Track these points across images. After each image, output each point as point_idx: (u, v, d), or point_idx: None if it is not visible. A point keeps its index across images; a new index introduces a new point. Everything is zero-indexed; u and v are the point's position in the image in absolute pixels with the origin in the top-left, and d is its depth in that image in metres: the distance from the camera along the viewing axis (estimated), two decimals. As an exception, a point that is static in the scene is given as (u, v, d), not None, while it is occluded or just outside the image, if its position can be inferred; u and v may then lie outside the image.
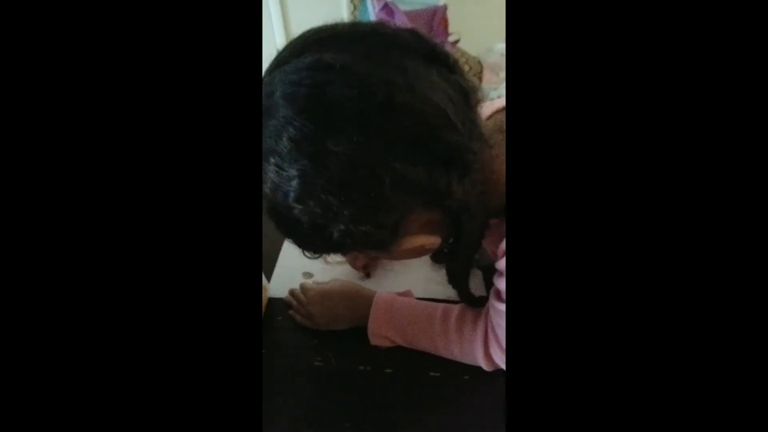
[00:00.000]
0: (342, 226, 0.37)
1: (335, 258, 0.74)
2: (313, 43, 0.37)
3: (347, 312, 0.61)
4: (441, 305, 0.59)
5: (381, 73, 0.35)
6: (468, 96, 0.39)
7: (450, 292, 0.54)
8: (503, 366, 0.53)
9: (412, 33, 0.39)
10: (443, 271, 0.50)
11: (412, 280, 0.69)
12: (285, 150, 0.34)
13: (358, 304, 0.61)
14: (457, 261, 0.49)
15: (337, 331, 0.61)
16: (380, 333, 0.58)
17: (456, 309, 0.57)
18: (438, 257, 0.49)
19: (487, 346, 0.54)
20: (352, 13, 2.10)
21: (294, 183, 0.35)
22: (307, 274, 0.71)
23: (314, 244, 0.40)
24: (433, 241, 0.43)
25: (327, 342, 0.61)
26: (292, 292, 0.66)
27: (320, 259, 0.72)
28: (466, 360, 0.56)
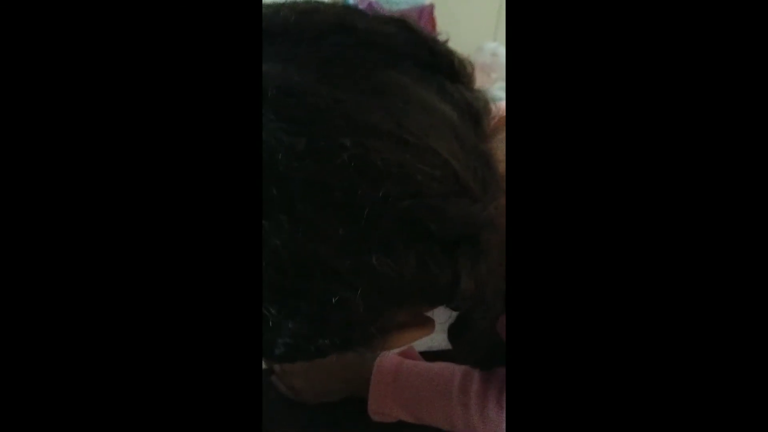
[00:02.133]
0: (288, 340, 0.24)
1: None
2: (282, 29, 0.24)
3: (340, 384, 0.50)
4: (458, 370, 0.47)
5: (351, 105, 0.22)
6: (479, 120, 0.26)
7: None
8: None
9: (401, 27, 0.26)
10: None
11: None
12: None
13: (353, 371, 0.50)
14: (467, 347, 0.39)
15: (331, 403, 0.51)
16: (384, 411, 0.48)
17: (476, 379, 0.46)
18: (454, 334, 0.38)
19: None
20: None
21: None
22: None
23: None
24: (428, 332, 0.31)
25: (318, 417, 0.50)
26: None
27: None
28: None
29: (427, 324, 0.30)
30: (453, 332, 0.38)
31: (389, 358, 0.49)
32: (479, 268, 0.25)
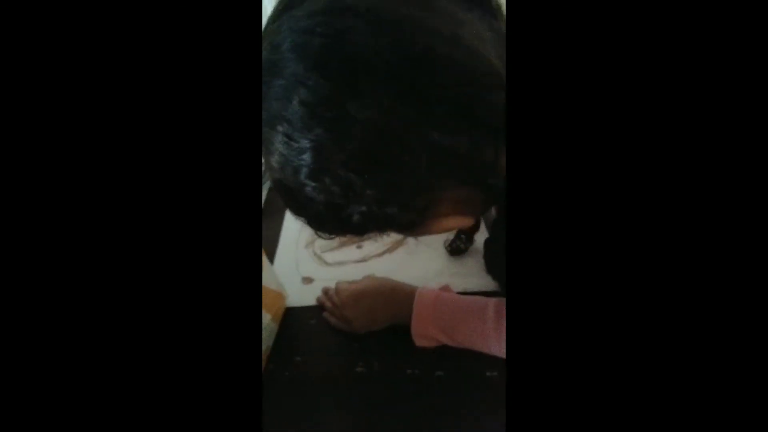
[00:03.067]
0: (363, 208, 0.30)
1: (333, 258, 0.69)
2: None
3: (386, 311, 0.56)
4: (491, 300, 0.53)
5: (417, 17, 0.27)
6: None
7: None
8: None
9: None
10: (459, 263, 0.44)
11: (422, 271, 0.65)
12: (296, 116, 0.27)
13: (397, 301, 0.55)
14: (496, 247, 0.43)
15: (377, 332, 0.56)
16: (426, 333, 0.53)
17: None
18: (453, 249, 0.42)
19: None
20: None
21: (306, 156, 0.28)
22: (307, 279, 0.67)
23: (329, 225, 0.33)
24: (465, 222, 0.36)
25: (368, 345, 0.55)
26: (325, 292, 0.61)
27: (318, 261, 0.70)
28: None
29: (465, 217, 0.36)
30: (490, 239, 0.43)
31: (429, 289, 0.55)
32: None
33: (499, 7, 0.33)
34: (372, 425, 0.48)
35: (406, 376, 0.52)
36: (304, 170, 0.29)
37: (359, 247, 0.72)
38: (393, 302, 0.56)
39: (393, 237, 0.71)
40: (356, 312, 0.56)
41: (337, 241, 0.73)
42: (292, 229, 0.78)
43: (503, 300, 0.52)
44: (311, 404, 0.50)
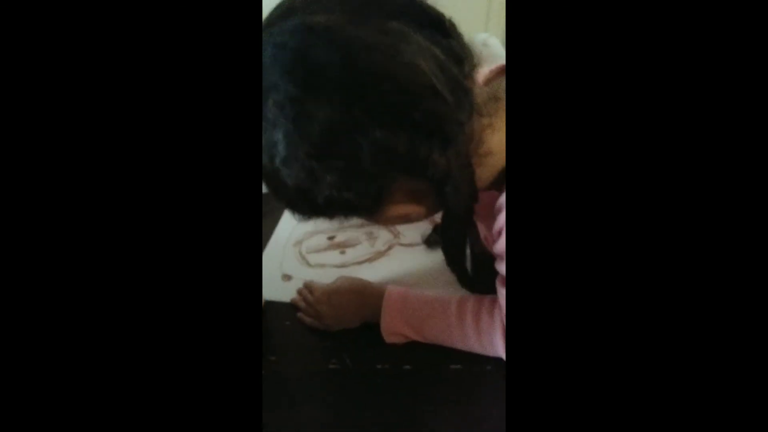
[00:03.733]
0: (326, 192, 0.36)
1: (315, 259, 0.72)
2: (300, 4, 0.36)
3: (357, 309, 0.59)
4: (455, 296, 0.56)
5: (364, 36, 0.33)
6: (462, 62, 0.37)
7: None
8: None
9: None
10: (439, 261, 0.48)
11: (406, 272, 0.68)
12: (270, 114, 0.34)
13: (368, 299, 0.59)
14: (450, 238, 0.47)
15: (349, 330, 0.59)
16: (394, 330, 0.56)
17: (471, 299, 0.55)
18: (429, 241, 0.47)
19: (506, 336, 0.52)
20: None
21: (279, 147, 0.35)
22: (286, 276, 0.70)
23: (301, 207, 0.40)
24: (417, 210, 0.42)
25: (340, 343, 0.58)
26: (300, 291, 0.63)
27: (301, 261, 0.73)
28: (486, 351, 0.54)
29: (417, 205, 0.42)
30: (442, 230, 0.48)
31: (397, 288, 0.59)
32: (448, 151, 0.37)
33: (452, 25, 0.39)
34: (346, 419, 0.51)
35: (376, 371, 0.55)
36: (278, 158, 0.35)
37: (342, 252, 0.75)
38: (364, 300, 0.59)
39: (375, 247, 0.75)
40: (329, 309, 0.59)
41: (324, 243, 0.76)
42: (286, 228, 0.80)
43: (466, 297, 0.56)
44: (286, 401, 0.53)
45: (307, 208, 0.40)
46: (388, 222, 0.45)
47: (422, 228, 0.76)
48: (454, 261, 0.50)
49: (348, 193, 0.37)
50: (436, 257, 0.71)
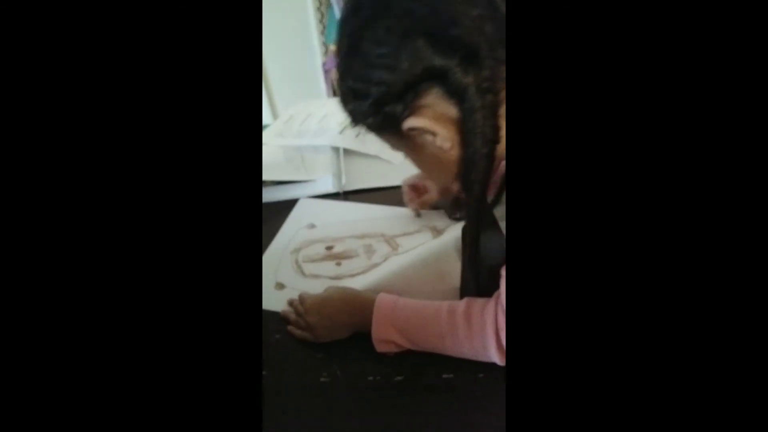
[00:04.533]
0: (370, 100, 0.43)
1: (310, 269, 0.72)
2: None
3: (348, 318, 0.58)
4: (446, 302, 0.56)
5: None
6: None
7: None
8: None
9: None
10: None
11: (398, 280, 0.67)
12: (340, 43, 0.44)
13: (359, 308, 0.58)
14: (472, 193, 0.48)
15: (340, 342, 0.59)
16: (385, 338, 0.56)
17: (462, 303, 0.54)
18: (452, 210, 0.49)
19: (499, 339, 0.51)
20: (321, 21, 2.09)
21: (342, 65, 0.45)
22: (279, 285, 0.69)
23: (358, 114, 0.46)
24: (441, 134, 0.45)
25: (331, 355, 0.58)
26: (290, 303, 0.63)
27: (296, 270, 0.73)
28: (479, 356, 0.53)
29: (437, 124, 0.44)
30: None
31: (388, 296, 0.58)
32: (469, 67, 0.40)
33: None
34: (338, 431, 0.50)
35: (367, 383, 0.54)
36: (344, 74, 0.45)
37: (338, 264, 0.74)
38: (354, 309, 0.58)
39: (372, 261, 0.74)
40: (319, 319, 0.58)
41: (321, 253, 0.76)
42: (286, 234, 0.80)
43: (460, 301, 0.55)
44: (277, 415, 0.52)
45: (360, 115, 0.46)
46: (410, 143, 0.47)
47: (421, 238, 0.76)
48: (470, 234, 0.51)
49: (389, 106, 0.43)
50: (430, 261, 0.72)
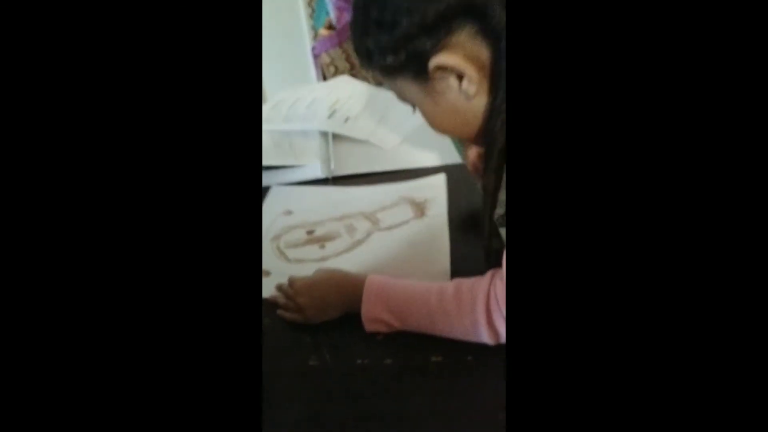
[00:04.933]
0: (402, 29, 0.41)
1: (294, 255, 0.71)
2: None
3: (338, 298, 0.58)
4: (434, 284, 0.56)
5: None
6: None
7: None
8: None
9: None
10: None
11: (386, 259, 0.68)
12: None
13: (348, 289, 0.58)
14: (493, 144, 0.47)
15: (330, 326, 0.58)
16: (375, 317, 0.56)
17: (452, 283, 0.55)
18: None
19: (490, 317, 0.50)
20: (309, 4, 2.06)
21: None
22: (265, 272, 0.69)
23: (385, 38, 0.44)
24: (469, 71, 0.43)
25: (320, 339, 0.58)
26: (279, 287, 0.63)
27: (279, 257, 0.72)
28: (469, 336, 0.53)
29: (466, 62, 0.43)
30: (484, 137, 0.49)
31: (378, 276, 0.58)
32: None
33: None
34: (327, 415, 0.50)
35: (357, 366, 0.54)
36: (368, 2, 0.43)
37: (322, 246, 0.74)
38: (344, 289, 0.58)
39: (355, 237, 0.74)
40: (310, 300, 0.58)
41: (303, 238, 0.76)
42: (264, 222, 0.79)
43: (450, 281, 0.55)
44: (266, 400, 0.52)
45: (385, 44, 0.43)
46: (428, 89, 0.46)
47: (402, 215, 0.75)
48: (488, 174, 0.50)
49: (419, 38, 0.41)
50: (416, 237, 0.71)
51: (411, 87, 0.47)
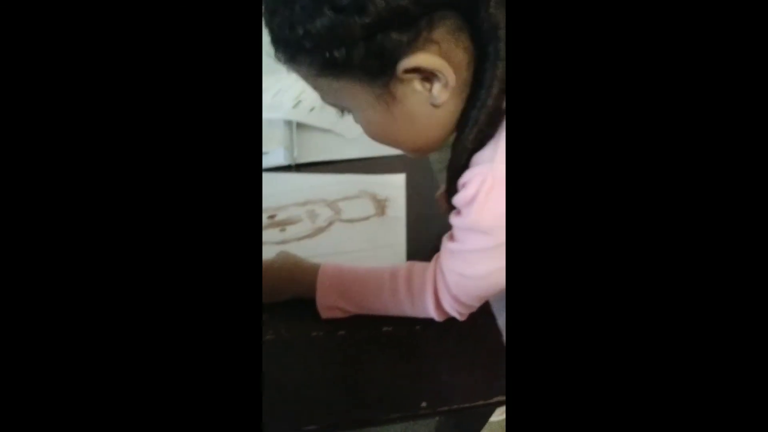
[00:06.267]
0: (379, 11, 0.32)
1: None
2: None
3: (288, 284, 0.59)
4: (388, 266, 0.58)
5: None
6: None
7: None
8: (455, 314, 0.54)
9: None
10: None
11: (345, 248, 0.69)
12: None
13: (300, 276, 0.59)
14: (476, 110, 0.38)
15: (285, 303, 0.60)
16: (330, 304, 0.57)
17: (403, 267, 0.57)
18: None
19: (437, 297, 0.53)
20: None
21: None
22: None
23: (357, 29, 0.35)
24: (446, 71, 0.36)
25: (275, 314, 0.59)
26: None
27: None
28: (418, 314, 0.56)
29: (442, 61, 0.35)
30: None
31: (331, 264, 0.60)
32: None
33: None
34: (283, 389, 0.52)
35: (311, 339, 0.56)
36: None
37: (282, 230, 0.75)
38: (296, 276, 0.60)
39: (316, 224, 0.75)
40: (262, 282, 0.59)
41: (264, 222, 0.76)
42: None
43: (399, 266, 0.58)
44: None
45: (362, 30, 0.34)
46: (385, 94, 0.37)
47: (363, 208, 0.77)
48: (459, 147, 0.42)
49: (395, 34, 0.32)
50: (376, 234, 0.74)
51: (356, 88, 0.38)
